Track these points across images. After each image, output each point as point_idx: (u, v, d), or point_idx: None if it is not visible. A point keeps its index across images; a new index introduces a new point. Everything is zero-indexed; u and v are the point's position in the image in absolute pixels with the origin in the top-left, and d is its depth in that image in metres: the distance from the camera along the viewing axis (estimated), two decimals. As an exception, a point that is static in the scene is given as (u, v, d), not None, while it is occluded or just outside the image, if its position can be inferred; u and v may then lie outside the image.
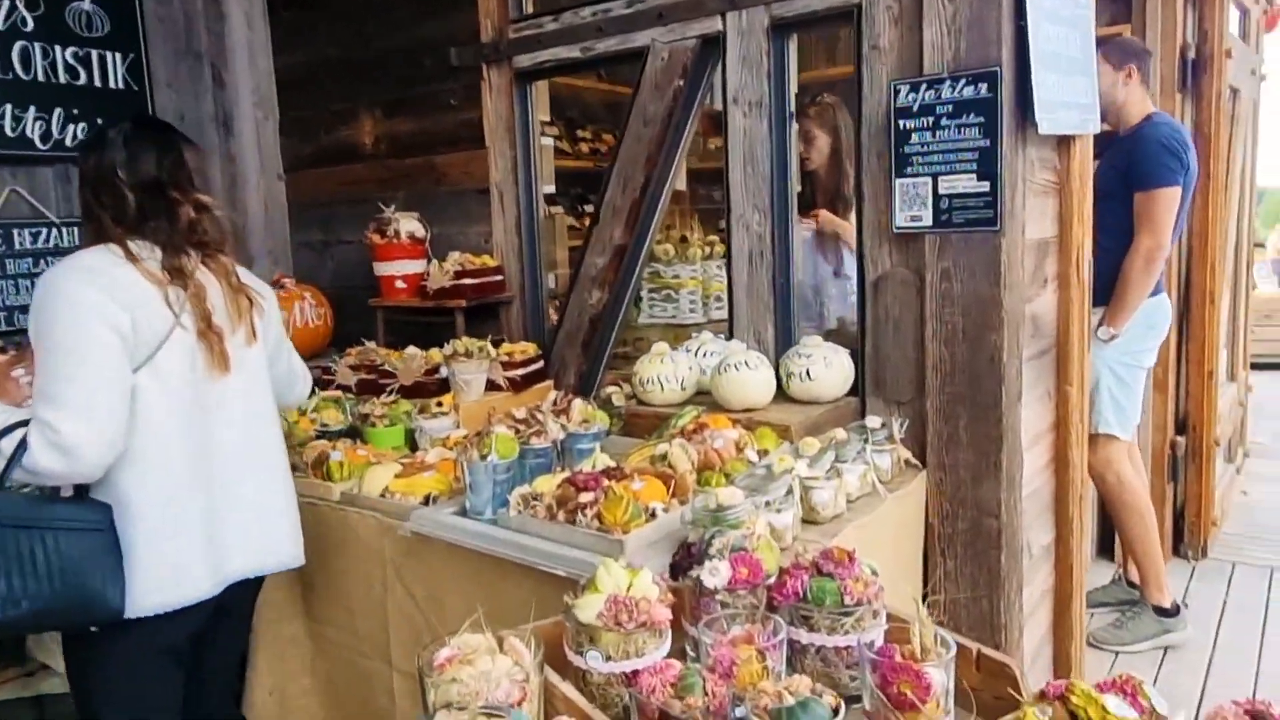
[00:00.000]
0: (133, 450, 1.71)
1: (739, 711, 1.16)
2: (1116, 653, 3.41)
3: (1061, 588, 2.76)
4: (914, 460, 2.40)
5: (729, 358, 2.48)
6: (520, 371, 3.02)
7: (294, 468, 2.28)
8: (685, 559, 1.47)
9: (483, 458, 1.98)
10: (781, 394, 2.58)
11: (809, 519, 2.05)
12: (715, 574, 1.42)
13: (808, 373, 2.49)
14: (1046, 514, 2.70)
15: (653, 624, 1.29)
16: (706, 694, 1.19)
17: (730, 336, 2.83)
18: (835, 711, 1.14)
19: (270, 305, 2.04)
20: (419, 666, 1.21)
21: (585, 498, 1.86)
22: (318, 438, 2.62)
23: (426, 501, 2.16)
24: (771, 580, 1.43)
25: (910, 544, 2.37)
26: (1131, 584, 3.63)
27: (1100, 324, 3.22)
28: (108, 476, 1.70)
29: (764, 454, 2.19)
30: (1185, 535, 4.21)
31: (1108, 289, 3.19)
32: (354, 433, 2.73)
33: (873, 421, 2.36)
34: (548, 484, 1.94)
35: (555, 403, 2.34)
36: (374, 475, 2.26)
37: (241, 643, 2.20)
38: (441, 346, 2.96)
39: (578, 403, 2.31)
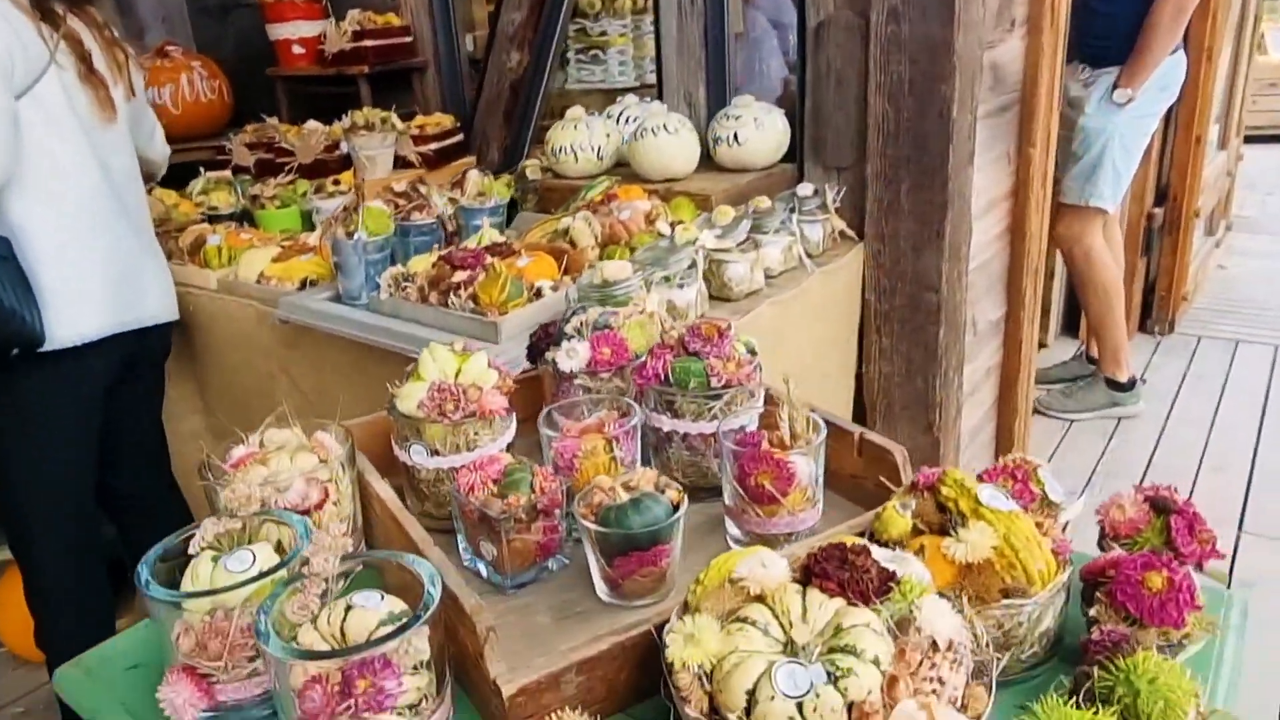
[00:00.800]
0: (24, 179, 1.67)
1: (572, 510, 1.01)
2: (1063, 419, 3.36)
3: (1009, 364, 2.63)
4: (850, 232, 2.19)
5: (647, 121, 2.20)
6: (434, 146, 2.73)
7: (169, 255, 2.11)
8: (543, 339, 1.29)
9: (349, 235, 1.76)
10: (709, 162, 2.33)
11: (720, 295, 1.86)
12: (573, 355, 1.25)
13: (735, 136, 2.22)
14: (997, 287, 2.52)
15: (484, 413, 1.12)
16: (534, 491, 1.04)
17: (660, 99, 2.53)
18: (675, 508, 0.99)
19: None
20: (200, 467, 1.05)
21: (459, 276, 1.66)
22: (205, 222, 2.39)
23: (303, 286, 1.96)
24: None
25: (843, 321, 2.20)
26: (1091, 359, 3.53)
27: (1114, 86, 2.94)
28: (3, 207, 1.67)
29: (679, 227, 1.97)
30: (1154, 310, 4.07)
31: (1115, 51, 2.89)
32: (246, 217, 2.50)
33: (804, 189, 2.12)
34: (423, 263, 1.73)
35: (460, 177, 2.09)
36: (249, 259, 2.05)
37: (155, 404, 2.11)
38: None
39: (473, 174, 2.06)
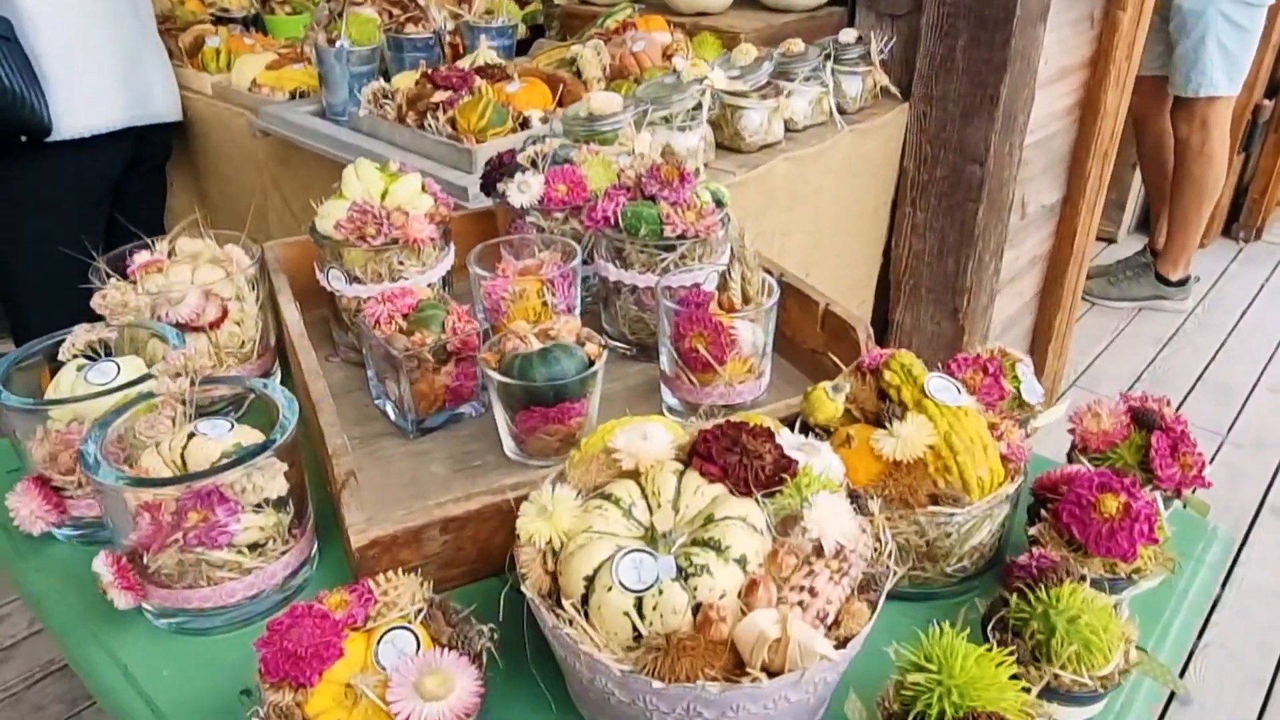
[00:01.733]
0: None
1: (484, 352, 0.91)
2: (1113, 308, 3.16)
3: (1059, 254, 2.42)
4: (894, 90, 1.96)
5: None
6: None
7: (170, 54, 2.01)
8: (497, 170, 1.16)
9: (331, 42, 1.61)
10: (750, -2, 2.10)
11: (731, 145, 1.69)
12: (525, 190, 1.12)
13: (780, -33, 1.98)
14: (1058, 168, 2.28)
15: (408, 241, 1.01)
16: (445, 331, 0.94)
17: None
18: (590, 363, 0.89)
19: None
20: (89, 269, 0.97)
21: (440, 97, 1.51)
22: (211, 23, 2.25)
23: (293, 98, 1.84)
24: (596, 203, 1.11)
25: (875, 190, 2.01)
26: (1153, 251, 3.26)
27: None
28: None
29: (689, 63, 1.78)
30: (1242, 214, 3.72)
31: None
32: (258, 22, 2.35)
33: (846, 35, 1.89)
34: (407, 80, 1.59)
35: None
36: (243, 65, 1.92)
37: (156, 207, 2.11)
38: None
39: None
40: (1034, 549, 0.70)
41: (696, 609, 0.59)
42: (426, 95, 1.53)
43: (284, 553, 0.77)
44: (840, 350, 1.02)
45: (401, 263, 1.03)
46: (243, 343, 1.00)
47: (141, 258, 1.01)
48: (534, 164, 1.14)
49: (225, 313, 0.97)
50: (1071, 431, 0.83)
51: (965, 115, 1.92)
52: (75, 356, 0.88)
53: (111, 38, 1.78)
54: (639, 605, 0.59)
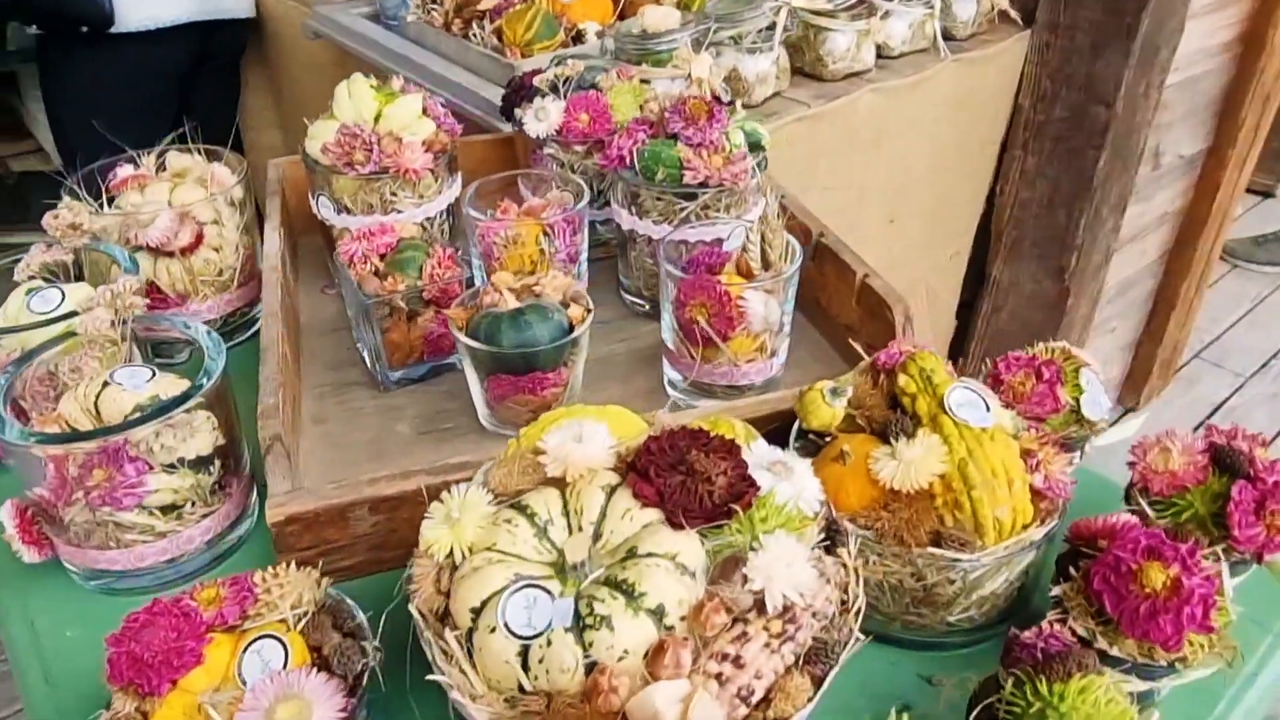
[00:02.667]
0: None
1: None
2: (1257, 273, 2.82)
3: (1195, 211, 2.13)
4: (1014, 15, 1.72)
5: None
6: None
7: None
8: (518, 93, 1.03)
9: (382, -61, 1.50)
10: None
11: (812, 72, 1.51)
12: (542, 117, 0.99)
13: None
14: (1205, 113, 1.98)
15: (400, 171, 0.91)
16: (424, 276, 0.84)
17: None
18: (570, 329, 0.78)
19: None
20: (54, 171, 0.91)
21: (487, 3, 1.39)
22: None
23: (355, -2, 1.74)
24: (620, 137, 0.98)
25: (981, 128, 1.79)
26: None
27: None
28: None
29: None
30: None
31: None
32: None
33: (964, -53, 1.65)
34: (458, -17, 1.46)
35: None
36: (308, -41, 1.83)
37: (228, 102, 2.08)
38: None
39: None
40: (1049, 622, 0.56)
41: (590, 669, 0.48)
42: (474, 1, 1.40)
43: (206, 516, 0.70)
44: (875, 331, 0.87)
45: (394, 194, 0.93)
46: (220, 271, 0.93)
47: (125, 172, 0.94)
48: (555, 88, 1.01)
49: (200, 238, 0.90)
50: (1132, 465, 0.68)
51: (1095, 47, 1.67)
52: (32, 278, 0.82)
53: None
54: (525, 656, 0.49)
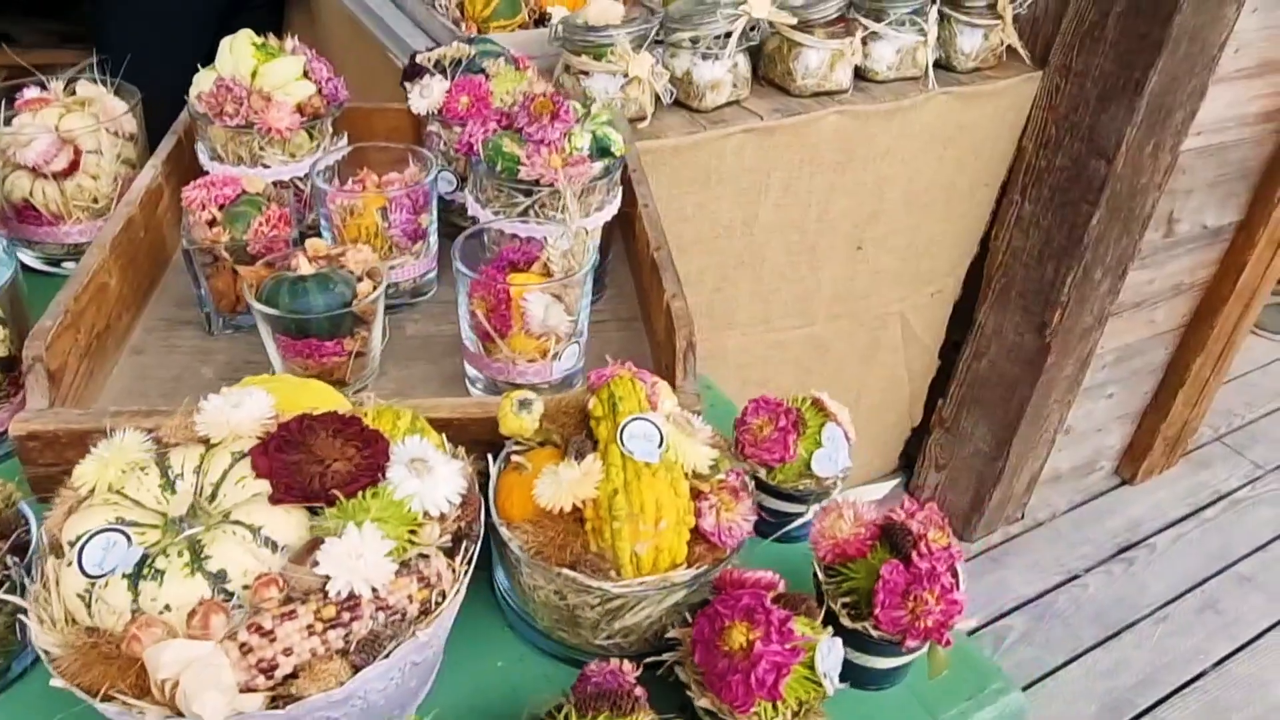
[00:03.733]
0: None
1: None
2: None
3: (1218, 288, 2.01)
4: (1023, 52, 1.65)
5: None
6: None
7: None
8: (413, 69, 1.06)
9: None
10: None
11: (781, 84, 1.48)
12: (426, 94, 1.02)
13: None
14: (1236, 185, 1.86)
15: (267, 130, 0.95)
16: (252, 231, 0.89)
17: None
18: (346, 303, 0.80)
19: None
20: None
21: (457, -22, 1.42)
22: None
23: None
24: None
25: (975, 167, 1.72)
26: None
27: None
28: None
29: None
30: None
31: None
32: None
33: (974, -23, 1.59)
34: (444, -49, 1.49)
35: None
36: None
37: (274, 19, 2.14)
38: None
39: None
40: (621, 660, 0.57)
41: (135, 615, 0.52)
42: (447, -25, 1.43)
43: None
44: (668, 351, 0.87)
45: (263, 148, 0.98)
46: (95, 198, 0.99)
47: (30, 93, 1.01)
48: (441, 68, 1.03)
49: (77, 164, 0.96)
50: (810, 527, 0.67)
51: (1102, 98, 1.59)
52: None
53: None
54: (89, 594, 0.53)
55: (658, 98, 1.34)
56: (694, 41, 1.35)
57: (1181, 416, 2.21)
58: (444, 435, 0.65)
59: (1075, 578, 2.07)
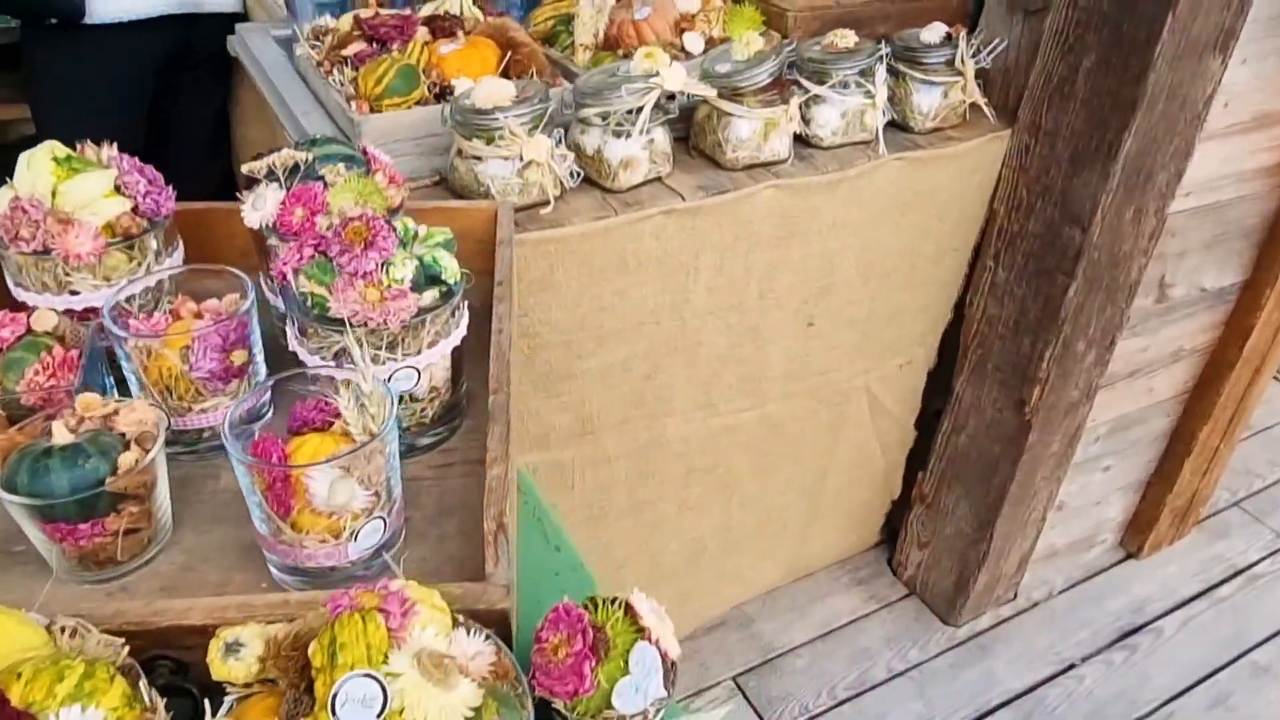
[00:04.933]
0: None
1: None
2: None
3: (1224, 352, 1.84)
4: (987, 110, 1.50)
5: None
6: None
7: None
8: (249, 179, 0.95)
9: (286, -33, 1.44)
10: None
11: (712, 156, 1.36)
12: (259, 205, 0.91)
13: (876, -71, 1.54)
14: (1238, 243, 1.70)
15: (65, 255, 0.84)
16: (25, 382, 0.78)
17: None
18: (100, 480, 0.69)
19: None
20: None
21: (354, 48, 1.31)
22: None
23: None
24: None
25: (941, 232, 1.58)
26: None
27: None
28: None
29: (642, 51, 1.43)
30: None
31: None
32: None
33: (931, 33, 1.45)
34: (347, 20, 1.39)
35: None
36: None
37: (215, 97, 2.00)
38: None
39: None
40: None
41: None
42: (348, 41, 1.32)
43: None
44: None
45: (68, 274, 0.87)
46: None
47: None
48: (274, 175, 0.92)
49: None
50: None
51: (1074, 161, 1.44)
52: None
53: None
54: None
55: (573, 173, 1.22)
56: (604, 117, 1.23)
57: (1190, 486, 2.04)
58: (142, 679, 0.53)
59: (1071, 668, 1.90)
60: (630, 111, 1.21)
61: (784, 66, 1.32)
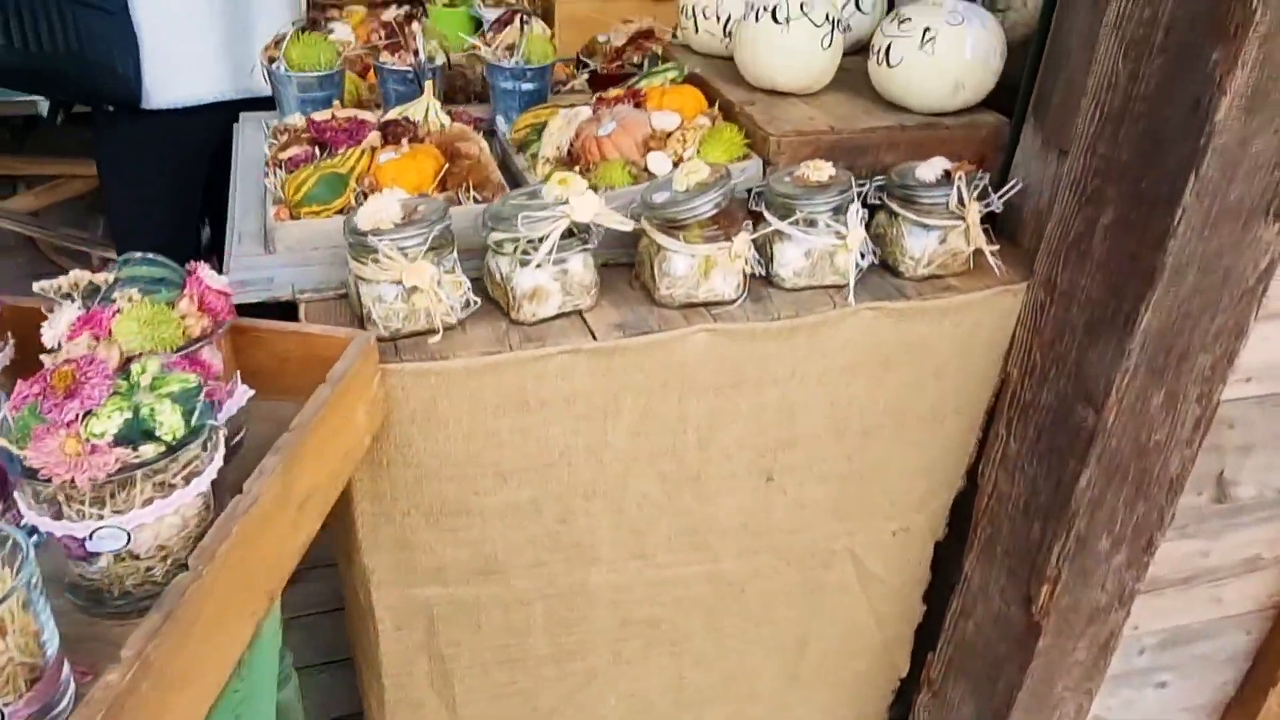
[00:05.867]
0: None
1: None
2: None
3: (1318, 568, 1.50)
4: (993, 260, 1.29)
5: (759, 0, 1.45)
6: None
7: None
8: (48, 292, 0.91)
9: (270, 61, 1.45)
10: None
11: (648, 289, 1.23)
12: (54, 324, 0.87)
13: (887, 52, 1.38)
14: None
15: None
16: None
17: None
18: None
19: None
20: None
21: (293, 151, 1.29)
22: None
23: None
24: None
25: (939, 391, 1.36)
26: None
27: None
28: None
29: (557, 177, 1.30)
30: None
31: None
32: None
33: (928, 170, 1.28)
34: (303, 121, 1.38)
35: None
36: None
37: None
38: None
39: (511, 27, 1.56)
40: None
41: None
42: (294, 142, 1.31)
43: None
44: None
45: None
46: None
47: None
48: (70, 296, 0.88)
49: None
50: None
51: (1090, 330, 1.22)
52: None
53: (219, 4, 1.73)
54: None
55: (468, 302, 1.13)
56: (514, 243, 1.13)
57: (1276, 716, 1.66)
58: None
59: None
60: (531, 241, 1.11)
61: (729, 198, 1.18)
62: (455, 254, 1.13)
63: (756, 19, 1.42)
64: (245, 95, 1.85)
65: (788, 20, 1.39)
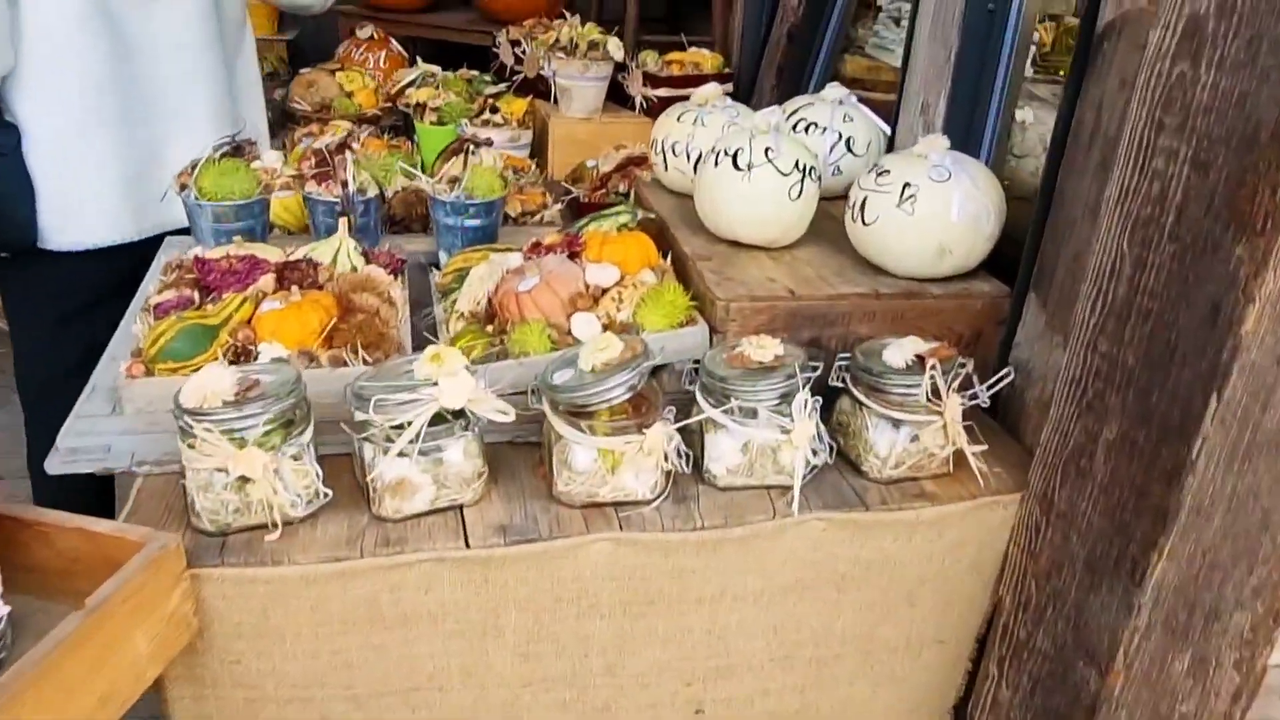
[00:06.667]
0: (24, 73, 1.46)
1: None
2: None
3: None
4: (978, 465, 1.06)
5: (722, 141, 1.27)
6: (680, 91, 2.09)
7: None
8: None
9: (182, 188, 1.33)
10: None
11: (549, 487, 1.03)
12: None
13: (861, 208, 1.19)
14: None
15: None
16: None
17: (896, 109, 1.50)
18: None
19: None
20: None
21: (168, 295, 1.14)
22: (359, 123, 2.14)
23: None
24: None
25: (909, 619, 1.11)
26: None
27: None
28: (7, 102, 1.49)
29: (623, 330, 1.13)
30: None
31: None
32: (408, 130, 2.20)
33: (897, 353, 1.06)
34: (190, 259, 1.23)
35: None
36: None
37: None
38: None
39: (456, 158, 1.42)
40: None
41: None
42: (173, 285, 1.16)
43: None
44: None
45: None
46: None
47: None
48: None
49: None
50: None
51: (1091, 568, 0.97)
52: None
53: (120, 143, 1.55)
54: None
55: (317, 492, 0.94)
56: (378, 427, 0.95)
57: None
58: None
59: None
60: (396, 426, 0.92)
61: (644, 378, 0.98)
62: (309, 434, 0.95)
63: (716, 163, 1.24)
64: (156, 233, 1.59)
65: (749, 167, 1.21)
